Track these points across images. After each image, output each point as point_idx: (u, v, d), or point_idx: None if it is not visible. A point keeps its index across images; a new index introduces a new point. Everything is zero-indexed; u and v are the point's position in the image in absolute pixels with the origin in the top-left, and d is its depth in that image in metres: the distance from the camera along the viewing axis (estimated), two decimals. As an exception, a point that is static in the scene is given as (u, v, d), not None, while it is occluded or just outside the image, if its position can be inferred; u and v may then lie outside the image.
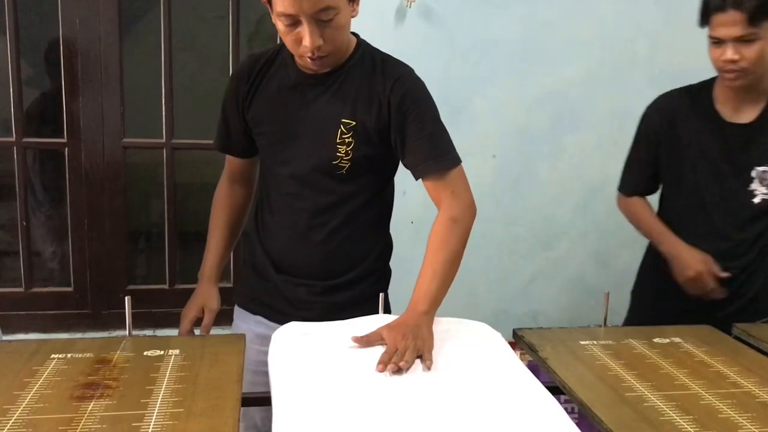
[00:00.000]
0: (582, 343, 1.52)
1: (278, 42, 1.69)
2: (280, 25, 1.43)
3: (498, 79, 2.76)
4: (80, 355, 1.37)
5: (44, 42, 2.74)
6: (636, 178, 2.04)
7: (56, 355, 1.36)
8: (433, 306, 1.49)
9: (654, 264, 2.03)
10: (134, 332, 1.50)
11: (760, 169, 1.83)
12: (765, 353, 1.52)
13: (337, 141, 1.55)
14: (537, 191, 2.90)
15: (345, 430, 1.10)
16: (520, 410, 1.19)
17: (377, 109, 1.54)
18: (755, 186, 1.83)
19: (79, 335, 2.58)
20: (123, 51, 2.55)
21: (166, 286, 2.72)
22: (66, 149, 2.56)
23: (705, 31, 1.79)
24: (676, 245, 1.89)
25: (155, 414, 1.14)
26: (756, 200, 1.84)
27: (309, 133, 1.57)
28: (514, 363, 1.39)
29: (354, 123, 1.54)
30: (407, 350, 1.34)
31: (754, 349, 1.55)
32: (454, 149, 1.59)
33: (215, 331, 1.71)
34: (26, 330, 2.60)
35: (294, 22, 1.40)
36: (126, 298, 1.47)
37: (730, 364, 1.43)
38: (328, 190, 1.60)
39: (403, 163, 1.61)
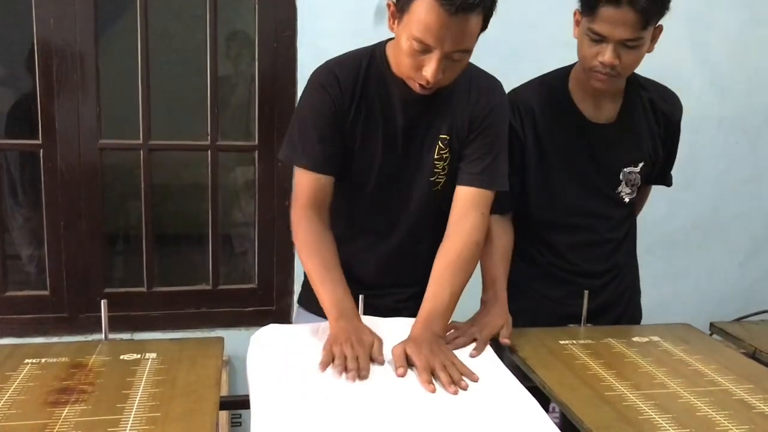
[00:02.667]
0: (562, 342, 1.53)
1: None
2: (408, 46, 1.36)
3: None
4: (55, 360, 1.35)
5: (20, 43, 2.70)
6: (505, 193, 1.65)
7: (30, 360, 1.34)
8: (446, 328, 1.48)
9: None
10: (111, 336, 1.48)
11: (627, 170, 1.72)
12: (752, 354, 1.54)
13: (435, 158, 1.54)
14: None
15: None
16: (500, 411, 1.19)
17: (468, 121, 1.54)
18: (622, 188, 1.73)
19: (55, 339, 2.54)
20: (99, 51, 2.52)
21: (144, 289, 2.69)
22: (41, 151, 2.52)
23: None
24: (491, 297, 1.62)
25: (131, 418, 1.12)
26: (625, 200, 1.75)
27: (412, 151, 1.54)
28: (494, 364, 1.39)
29: (449, 138, 1.54)
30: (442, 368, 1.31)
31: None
32: (506, 177, 1.58)
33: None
34: (1, 335, 2.56)
35: (425, 49, 1.35)
36: (102, 301, 1.45)
37: (707, 362, 1.44)
38: (425, 207, 1.59)
39: (459, 166, 1.56)
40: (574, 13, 1.60)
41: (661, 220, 3.07)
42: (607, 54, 1.53)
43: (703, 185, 3.08)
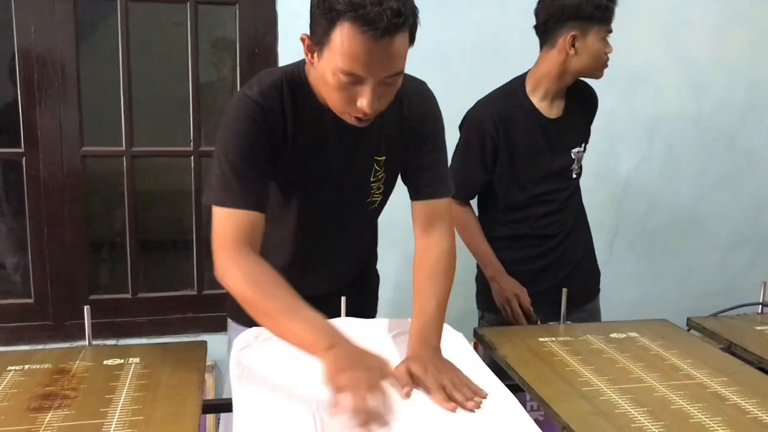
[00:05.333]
0: (541, 340, 1.55)
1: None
2: (336, 81, 1.26)
3: (457, 83, 2.77)
4: (38, 366, 1.36)
5: (1, 51, 2.70)
6: (471, 184, 2.07)
7: (13, 367, 1.35)
8: (440, 339, 1.43)
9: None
10: (97, 342, 1.49)
11: (574, 150, 2.09)
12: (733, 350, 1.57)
13: (371, 180, 1.52)
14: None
15: (305, 432, 1.11)
16: (481, 409, 1.20)
17: (401, 136, 1.49)
18: (573, 166, 2.09)
19: (40, 347, 2.54)
20: (80, 58, 2.52)
21: (129, 296, 2.70)
22: (24, 159, 2.52)
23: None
24: (497, 270, 2.05)
25: (114, 422, 1.13)
26: (574, 176, 2.11)
27: (350, 178, 1.51)
28: (475, 363, 1.41)
29: (385, 158, 1.51)
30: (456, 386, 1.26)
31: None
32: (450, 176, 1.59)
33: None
34: (-14, 344, 2.56)
35: (356, 81, 1.26)
36: (85, 307, 1.46)
37: (683, 356, 1.47)
38: (359, 226, 1.63)
39: (404, 180, 1.56)
40: (567, 36, 1.95)
41: (642, 218, 3.11)
42: (609, 47, 2.00)
43: (681, 183, 3.13)
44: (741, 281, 3.21)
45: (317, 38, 1.27)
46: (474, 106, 2.08)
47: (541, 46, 2.04)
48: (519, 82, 2.08)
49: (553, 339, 1.55)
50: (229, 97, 2.78)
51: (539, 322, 1.97)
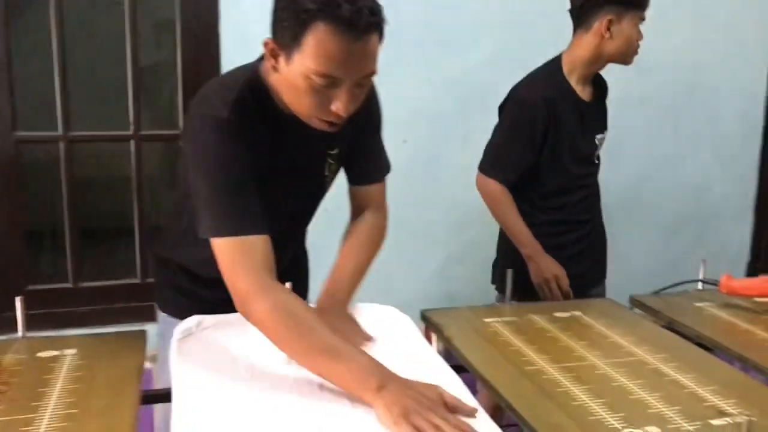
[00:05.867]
0: (486, 320, 1.55)
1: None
2: (308, 84, 1.21)
3: (404, 63, 2.77)
4: (-34, 361, 1.30)
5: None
6: (517, 166, 2.07)
7: (-60, 362, 1.29)
8: (351, 297, 1.48)
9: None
10: (33, 334, 1.43)
11: (599, 137, 2.15)
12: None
13: (326, 174, 1.51)
14: (449, 175, 2.93)
15: (244, 428, 1.09)
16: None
17: (352, 127, 1.42)
18: (598, 151, 2.16)
19: (-24, 340, 2.45)
20: (9, 38, 2.42)
21: (69, 285, 2.62)
22: (-46, 145, 2.43)
23: None
24: (536, 250, 2.05)
25: (47, 416, 1.09)
26: (596, 162, 2.18)
27: (305, 175, 1.50)
28: (420, 345, 1.40)
29: (339, 150, 1.50)
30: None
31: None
32: (387, 158, 1.61)
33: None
34: None
35: (331, 83, 1.21)
36: (17, 298, 1.40)
37: (626, 334, 1.49)
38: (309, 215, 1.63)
39: (343, 166, 1.56)
40: (604, 20, 1.96)
41: (588, 199, 3.15)
42: (641, 33, 2.03)
43: (627, 164, 3.17)
44: (684, 260, 3.28)
45: (285, 41, 1.21)
46: (518, 86, 2.09)
47: (575, 29, 2.05)
48: (556, 64, 2.09)
49: (498, 319, 1.56)
50: (171, 79, 2.72)
51: None
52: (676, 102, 3.20)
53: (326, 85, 1.21)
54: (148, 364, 1.39)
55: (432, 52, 2.78)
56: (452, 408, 1.10)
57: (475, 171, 2.95)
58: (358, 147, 1.52)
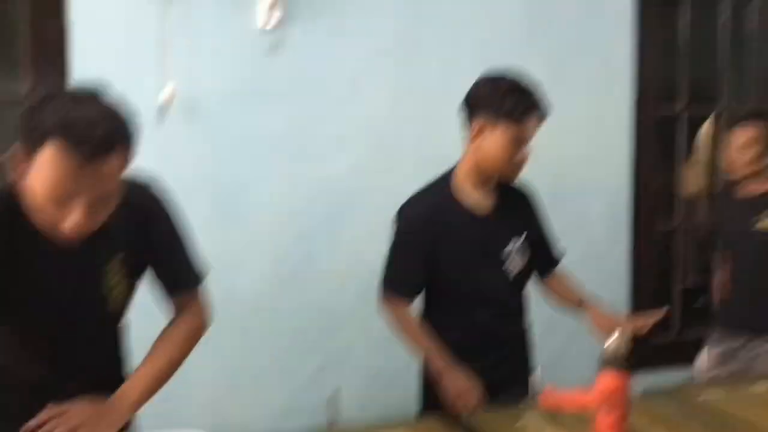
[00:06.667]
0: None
1: None
2: (45, 197, 1.22)
3: (270, 173, 2.78)
4: None
5: None
6: (409, 281, 2.05)
7: None
8: (144, 402, 1.43)
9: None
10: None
11: (506, 249, 2.06)
12: None
13: (107, 286, 1.45)
14: (318, 281, 2.91)
15: None
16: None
17: (137, 231, 1.45)
18: (507, 264, 2.06)
19: None
20: None
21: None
22: None
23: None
24: (443, 365, 1.93)
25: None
26: (511, 276, 2.08)
27: (77, 293, 1.43)
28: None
29: (123, 256, 1.46)
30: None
31: None
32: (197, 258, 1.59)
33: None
34: None
35: (67, 198, 1.23)
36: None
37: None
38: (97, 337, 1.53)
39: (152, 276, 1.55)
40: (477, 125, 1.91)
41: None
42: (527, 151, 1.93)
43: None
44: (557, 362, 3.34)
45: (29, 146, 1.21)
46: (407, 201, 2.06)
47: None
48: (447, 174, 2.04)
49: None
50: None
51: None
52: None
53: (57, 202, 1.22)
54: None
55: (297, 162, 2.82)
56: None
57: (341, 275, 2.97)
58: (156, 257, 1.50)
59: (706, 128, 3.76)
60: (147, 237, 1.47)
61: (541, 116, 1.93)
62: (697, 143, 3.77)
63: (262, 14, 2.70)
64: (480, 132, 1.92)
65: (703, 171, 3.78)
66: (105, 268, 1.43)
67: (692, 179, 3.75)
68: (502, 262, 2.05)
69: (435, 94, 2.96)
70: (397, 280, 2.06)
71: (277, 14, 2.70)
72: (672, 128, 3.55)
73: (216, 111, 2.70)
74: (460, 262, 2.01)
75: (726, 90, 3.67)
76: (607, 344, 1.55)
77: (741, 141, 2.84)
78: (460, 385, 1.88)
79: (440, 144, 2.89)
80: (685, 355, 3.14)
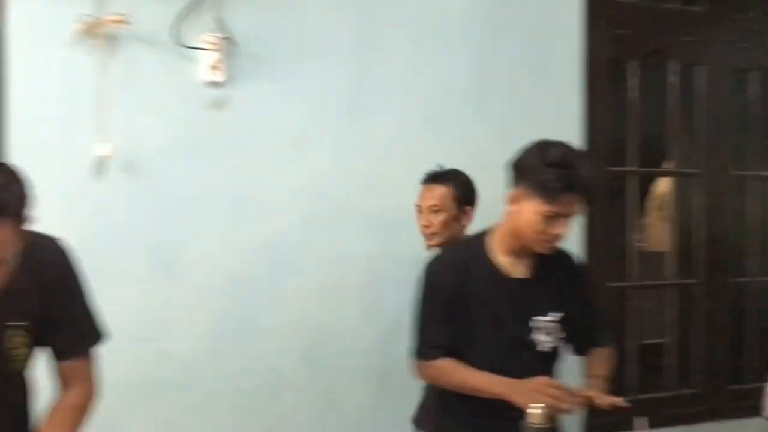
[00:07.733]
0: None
1: None
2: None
3: (211, 229, 2.72)
4: None
5: None
6: (442, 342, 1.97)
7: None
8: None
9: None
10: None
11: (536, 319, 1.96)
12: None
13: (9, 347, 1.42)
14: (261, 340, 2.84)
15: None
16: None
17: (41, 295, 1.44)
18: (535, 335, 1.96)
19: None
20: None
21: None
22: None
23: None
24: (506, 383, 1.86)
25: None
26: (538, 348, 1.97)
27: None
28: None
29: (27, 322, 1.44)
30: None
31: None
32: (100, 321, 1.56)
33: None
34: None
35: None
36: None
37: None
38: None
39: (44, 341, 1.51)
40: (517, 191, 1.87)
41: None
42: (558, 228, 1.84)
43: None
44: None
45: None
46: (435, 256, 2.05)
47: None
48: (481, 233, 2.01)
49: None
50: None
51: None
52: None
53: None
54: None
55: (239, 218, 2.78)
56: None
57: (287, 334, 2.90)
58: (51, 318, 1.46)
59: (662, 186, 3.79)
60: (47, 302, 1.45)
61: (582, 194, 1.86)
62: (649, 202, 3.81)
63: (206, 69, 2.68)
64: (518, 199, 1.88)
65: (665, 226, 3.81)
66: (4, 332, 1.41)
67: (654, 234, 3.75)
68: (530, 330, 1.96)
69: (380, 151, 2.95)
70: (429, 343, 1.99)
71: (221, 69, 2.68)
72: (622, 186, 3.57)
73: (157, 166, 2.64)
74: (485, 320, 1.94)
75: (676, 150, 3.75)
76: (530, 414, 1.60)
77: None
78: (534, 383, 1.81)
79: (385, 201, 2.93)
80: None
